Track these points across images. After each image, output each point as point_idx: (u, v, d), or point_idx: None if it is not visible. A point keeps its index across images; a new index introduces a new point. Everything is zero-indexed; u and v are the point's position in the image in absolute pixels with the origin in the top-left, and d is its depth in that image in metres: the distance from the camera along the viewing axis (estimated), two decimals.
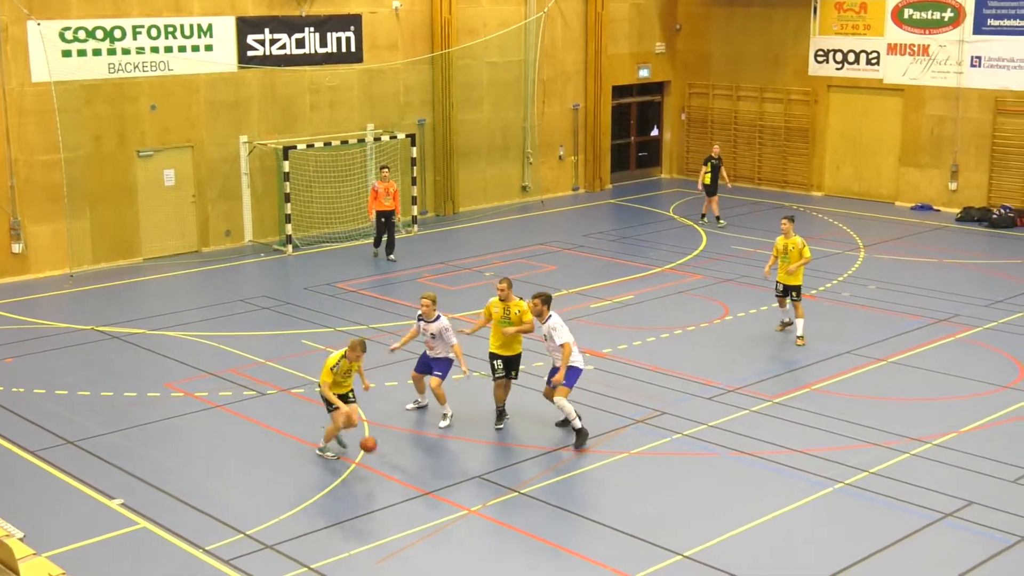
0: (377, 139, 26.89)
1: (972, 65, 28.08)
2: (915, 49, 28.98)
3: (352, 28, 26.82)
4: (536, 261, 24.01)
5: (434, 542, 11.97)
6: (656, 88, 33.95)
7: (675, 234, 26.60)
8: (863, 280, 22.18)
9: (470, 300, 20.95)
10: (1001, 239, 26.04)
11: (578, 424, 14.19)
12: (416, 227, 26.84)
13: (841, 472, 13.44)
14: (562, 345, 14.07)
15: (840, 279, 22.20)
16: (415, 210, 27.08)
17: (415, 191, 27.14)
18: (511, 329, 14.53)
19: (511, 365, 14.89)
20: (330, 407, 13.78)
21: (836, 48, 30.43)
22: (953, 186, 28.72)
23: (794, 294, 18.45)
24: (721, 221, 27.05)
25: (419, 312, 14.95)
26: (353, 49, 26.91)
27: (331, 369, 13.68)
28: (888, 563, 11.43)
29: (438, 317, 14.84)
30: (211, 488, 13.26)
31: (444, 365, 14.95)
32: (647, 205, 30.26)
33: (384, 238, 24.16)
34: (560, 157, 31.56)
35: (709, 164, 27.00)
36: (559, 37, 30.78)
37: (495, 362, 14.84)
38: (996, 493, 12.87)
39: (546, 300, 14.31)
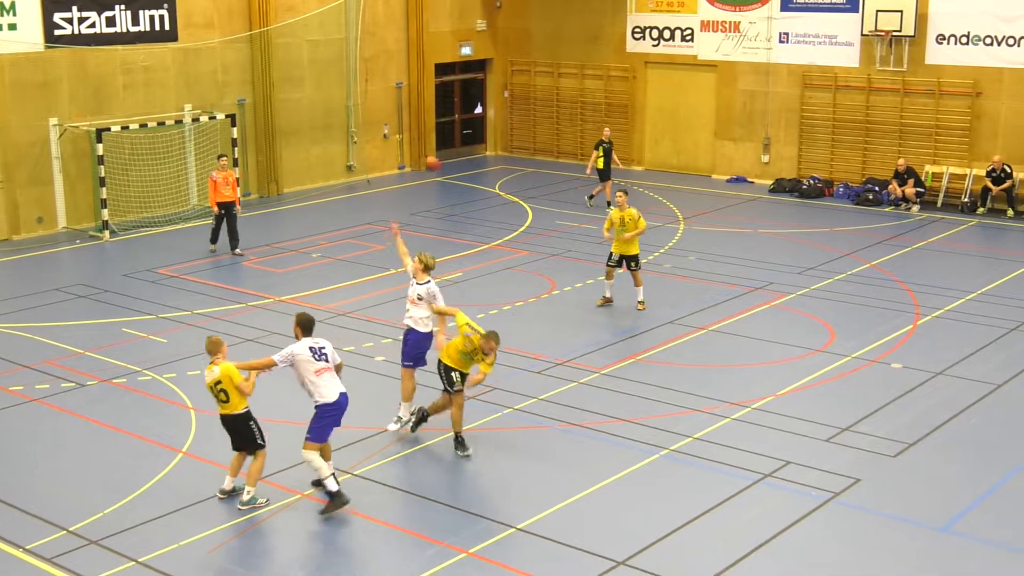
0: (196, 120, 26.23)
1: (780, 41, 29.13)
2: (727, 26, 29.87)
3: (165, 5, 26.03)
4: (364, 241, 23.88)
5: (265, 529, 11.84)
6: (478, 66, 34.08)
7: (501, 211, 26.82)
8: (683, 252, 22.82)
9: (298, 283, 20.73)
10: (811, 208, 27.15)
11: (333, 485, 12.13)
12: (239, 209, 26.25)
13: (666, 439, 13.85)
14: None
15: (661, 251, 22.78)
16: (238, 192, 26.49)
17: (237, 173, 26.55)
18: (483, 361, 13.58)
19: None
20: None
21: (652, 25, 31.11)
22: (765, 158, 29.79)
23: (632, 264, 18.95)
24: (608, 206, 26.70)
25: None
26: (167, 27, 26.14)
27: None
28: (712, 524, 11.84)
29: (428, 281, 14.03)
30: (30, 485, 12.78)
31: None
32: (473, 182, 30.41)
33: (223, 232, 22.70)
34: (385, 136, 31.41)
35: (600, 148, 26.52)
36: (380, 14, 30.57)
37: (452, 374, 13.57)
38: (811, 452, 13.46)
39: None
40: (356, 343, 17.40)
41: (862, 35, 27.66)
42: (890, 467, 13.13)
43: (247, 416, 12.31)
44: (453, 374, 13.50)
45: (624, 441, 13.85)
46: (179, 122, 26.03)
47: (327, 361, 12.25)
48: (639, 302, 18.96)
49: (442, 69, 32.76)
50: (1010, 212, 25.76)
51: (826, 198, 28.10)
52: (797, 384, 15.67)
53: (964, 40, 26.53)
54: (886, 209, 26.66)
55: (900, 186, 26.49)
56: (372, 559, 11.36)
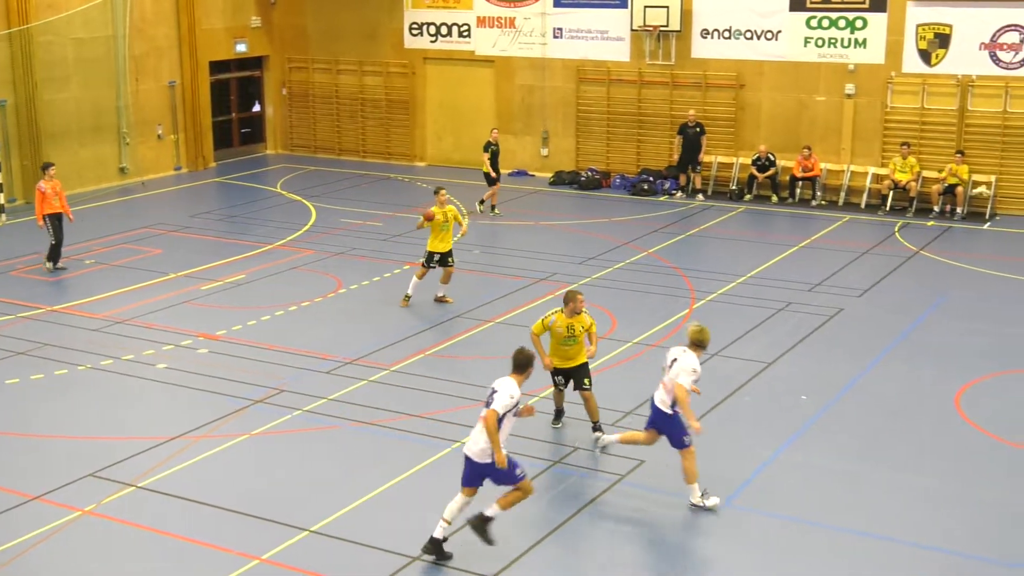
0: None
1: (555, 36, 29.74)
2: (502, 22, 30.29)
3: None
4: (140, 245, 23.12)
5: (45, 550, 11.32)
6: (255, 63, 33.46)
7: (284, 210, 26.44)
8: (468, 246, 22.99)
9: (71, 291, 19.93)
10: (590, 200, 27.87)
11: (437, 532, 11.26)
12: (4, 216, 25.02)
13: (457, 432, 13.95)
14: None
15: None
16: (2, 198, 25.22)
17: (0, 178, 25.28)
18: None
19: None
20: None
21: (429, 21, 31.24)
22: (545, 152, 30.37)
23: (450, 259, 18.99)
24: (496, 211, 25.92)
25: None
26: None
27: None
28: (506, 513, 12.00)
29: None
30: None
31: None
32: (254, 182, 29.87)
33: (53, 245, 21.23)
34: (159, 136, 30.46)
35: (490, 151, 25.78)
36: (148, 11, 29.61)
37: (556, 377, 13.87)
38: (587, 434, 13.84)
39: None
40: (136, 351, 16.85)
41: (632, 30, 28.54)
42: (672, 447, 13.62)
43: None
44: (556, 377, 13.84)
45: (415, 436, 13.90)
46: None
47: (485, 407, 11.06)
48: (444, 296, 19.12)
49: (217, 67, 32.01)
50: (774, 198, 27.12)
51: (604, 189, 28.88)
52: None
53: (726, 35, 27.75)
54: (660, 199, 27.62)
55: (688, 170, 27.35)
56: (162, 574, 11.04)
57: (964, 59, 25.55)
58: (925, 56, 25.94)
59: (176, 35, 30.42)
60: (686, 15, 27.84)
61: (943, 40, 25.71)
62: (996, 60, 25.30)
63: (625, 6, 28.54)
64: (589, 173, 29.22)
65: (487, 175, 25.82)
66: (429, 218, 18.85)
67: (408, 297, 19.12)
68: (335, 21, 32.48)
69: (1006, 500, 12.40)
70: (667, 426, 12.19)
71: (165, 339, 17.41)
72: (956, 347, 17.12)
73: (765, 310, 18.76)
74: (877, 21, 26.27)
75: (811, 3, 26.79)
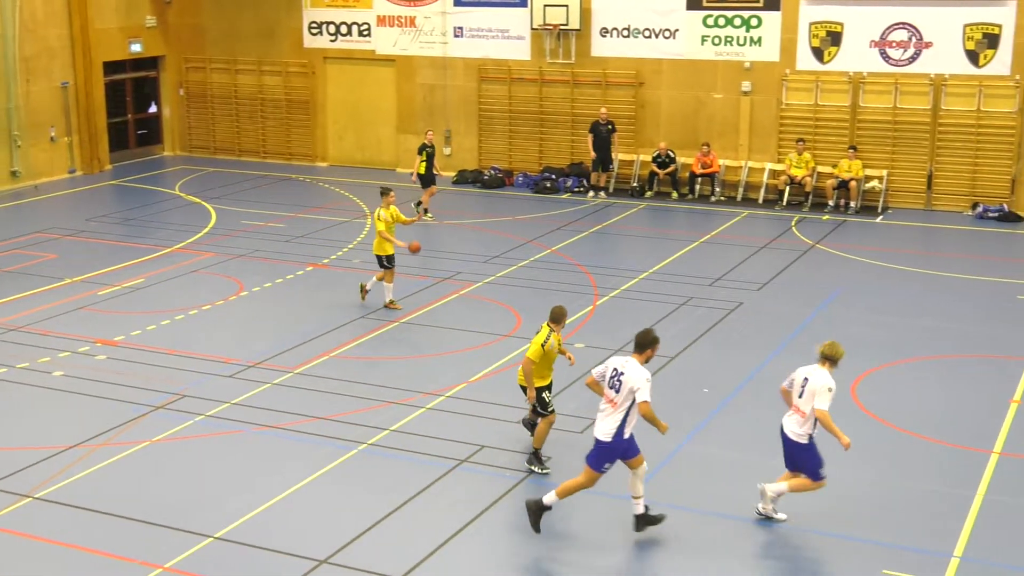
0: None
1: (456, 35, 29.75)
2: (403, 20, 30.21)
3: None
4: (35, 250, 22.58)
5: None
6: (151, 63, 32.87)
7: (183, 212, 26.04)
8: (371, 246, 22.89)
9: None
10: (493, 198, 27.94)
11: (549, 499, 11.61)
12: None
13: (363, 433, 13.93)
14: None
15: (350, 246, 22.82)
16: None
17: None
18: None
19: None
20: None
21: (329, 20, 31.01)
22: (448, 151, 30.34)
23: (386, 262, 18.82)
24: (428, 214, 25.27)
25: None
26: None
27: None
28: (414, 512, 12.03)
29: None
30: None
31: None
32: (151, 184, 29.35)
33: None
34: (52, 139, 29.76)
35: (424, 153, 25.20)
36: (39, 11, 28.93)
37: (544, 394, 13.08)
38: (503, 435, 13.90)
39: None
40: (31, 359, 16.46)
41: (532, 29, 28.67)
42: (577, 443, 13.73)
43: None
44: (544, 394, 13.05)
45: (321, 439, 13.81)
46: None
47: (615, 392, 11.23)
48: (367, 289, 19.05)
49: (111, 67, 31.38)
50: (674, 194, 27.48)
51: (507, 187, 28.98)
52: (488, 369, 16.12)
53: (625, 33, 28.04)
54: (563, 196, 27.79)
55: (598, 165, 27.44)
56: None
57: (855, 57, 26.19)
58: (818, 54, 26.52)
59: (68, 35, 29.76)
60: (585, 14, 28.06)
61: (835, 38, 26.31)
62: (886, 57, 25.97)
63: (525, 5, 28.66)
64: (492, 172, 29.28)
65: (422, 177, 25.35)
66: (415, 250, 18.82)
67: (392, 301, 18.88)
68: (233, 20, 32.07)
69: (908, 487, 12.75)
70: (802, 457, 11.72)
71: (61, 346, 17.04)
72: (852, 338, 17.44)
73: (667, 305, 19.01)
74: (771, 20, 26.78)
75: (707, 2, 27.20)
